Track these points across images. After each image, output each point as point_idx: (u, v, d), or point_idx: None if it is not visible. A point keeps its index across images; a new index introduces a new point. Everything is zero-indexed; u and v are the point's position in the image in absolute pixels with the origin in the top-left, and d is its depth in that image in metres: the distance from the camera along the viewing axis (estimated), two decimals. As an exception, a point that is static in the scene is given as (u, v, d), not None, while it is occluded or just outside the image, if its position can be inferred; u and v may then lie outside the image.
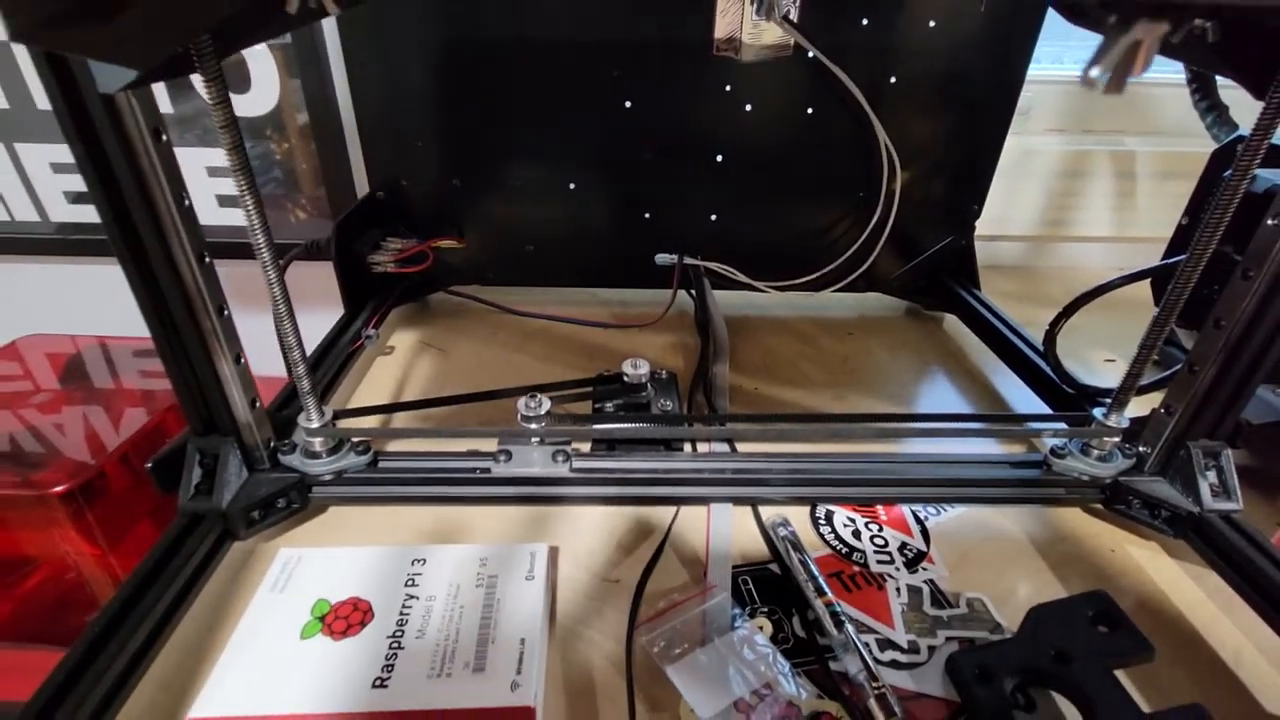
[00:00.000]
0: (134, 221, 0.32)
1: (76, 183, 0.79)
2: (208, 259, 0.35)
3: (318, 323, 0.59)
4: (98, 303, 0.87)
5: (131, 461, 0.64)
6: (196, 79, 0.30)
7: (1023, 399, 0.59)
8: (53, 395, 0.71)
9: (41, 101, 0.74)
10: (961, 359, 0.67)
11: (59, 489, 0.56)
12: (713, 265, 0.71)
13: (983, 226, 0.72)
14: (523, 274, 0.73)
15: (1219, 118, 0.60)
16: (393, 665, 0.31)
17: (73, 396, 0.71)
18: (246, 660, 0.31)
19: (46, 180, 0.79)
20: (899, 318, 0.75)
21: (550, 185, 0.67)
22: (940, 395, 0.62)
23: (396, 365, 0.63)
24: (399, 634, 0.32)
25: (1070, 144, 0.83)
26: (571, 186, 0.67)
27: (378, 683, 0.30)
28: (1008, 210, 0.84)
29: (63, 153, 0.77)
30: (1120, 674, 0.35)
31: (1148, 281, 0.55)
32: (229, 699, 0.29)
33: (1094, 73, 0.11)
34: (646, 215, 0.69)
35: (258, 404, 0.41)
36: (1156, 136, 0.84)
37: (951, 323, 0.73)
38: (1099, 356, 0.67)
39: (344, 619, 0.33)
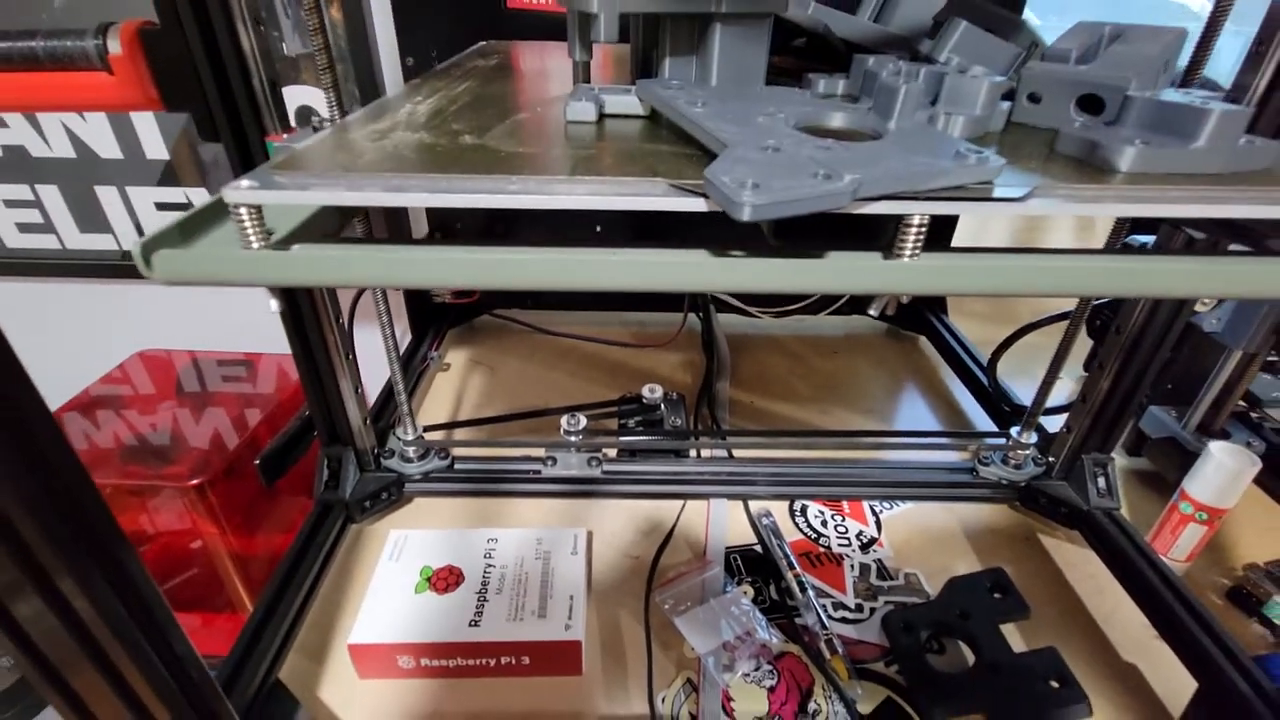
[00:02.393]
0: (295, 294, 0.45)
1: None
2: (342, 320, 0.48)
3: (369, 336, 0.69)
4: (180, 321, 1.02)
5: (235, 465, 0.78)
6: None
7: (977, 412, 0.71)
8: (168, 402, 0.85)
9: (150, 152, 0.88)
10: (930, 376, 0.79)
11: (195, 481, 0.70)
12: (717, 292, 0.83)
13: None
14: (556, 299, 0.86)
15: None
16: (482, 611, 0.44)
17: (184, 404, 0.85)
18: (380, 607, 0.44)
19: (151, 217, 0.93)
20: (880, 338, 0.87)
21: (580, 227, 0.80)
22: (908, 408, 0.74)
23: (455, 380, 0.76)
24: (484, 590, 0.45)
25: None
26: (598, 229, 0.80)
27: (472, 623, 0.43)
28: (979, 237, 0.95)
29: (164, 194, 0.91)
30: (1012, 628, 0.47)
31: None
32: (373, 632, 0.42)
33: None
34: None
35: (368, 420, 0.54)
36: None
37: (925, 343, 0.85)
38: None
39: (444, 580, 0.46)
